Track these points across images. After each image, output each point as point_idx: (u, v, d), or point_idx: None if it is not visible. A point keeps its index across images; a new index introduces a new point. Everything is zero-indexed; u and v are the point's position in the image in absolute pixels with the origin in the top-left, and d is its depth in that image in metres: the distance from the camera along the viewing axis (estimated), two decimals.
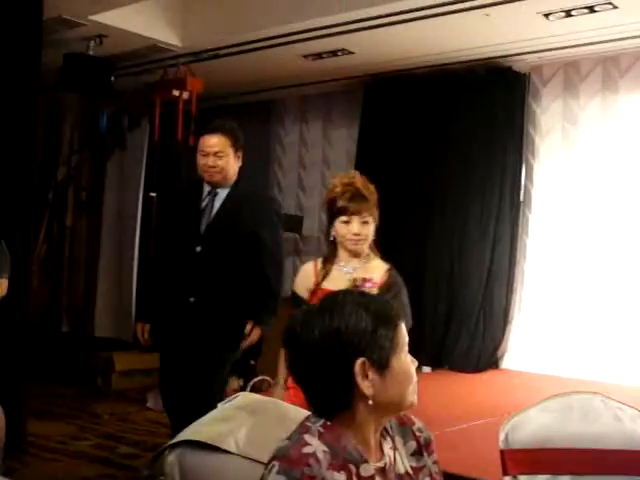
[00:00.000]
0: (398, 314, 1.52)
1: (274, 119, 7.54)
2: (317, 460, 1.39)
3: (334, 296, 1.53)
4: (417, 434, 1.60)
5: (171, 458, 1.66)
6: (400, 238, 6.35)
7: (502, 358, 5.96)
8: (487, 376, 5.71)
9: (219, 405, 1.78)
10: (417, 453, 1.58)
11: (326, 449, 1.42)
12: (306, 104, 7.33)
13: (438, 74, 6.15)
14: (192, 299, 3.40)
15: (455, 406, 4.59)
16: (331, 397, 1.47)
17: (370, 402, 1.45)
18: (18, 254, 4.17)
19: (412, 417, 1.62)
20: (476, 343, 5.98)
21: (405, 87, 6.38)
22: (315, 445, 1.42)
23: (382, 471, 1.49)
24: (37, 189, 7.18)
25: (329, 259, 2.95)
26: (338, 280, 2.85)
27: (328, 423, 1.47)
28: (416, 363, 1.53)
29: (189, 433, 1.69)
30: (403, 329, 1.51)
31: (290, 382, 2.76)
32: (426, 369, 5.99)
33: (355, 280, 2.85)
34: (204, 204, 3.47)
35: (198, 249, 3.38)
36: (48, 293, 7.62)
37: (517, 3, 4.64)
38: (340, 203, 2.87)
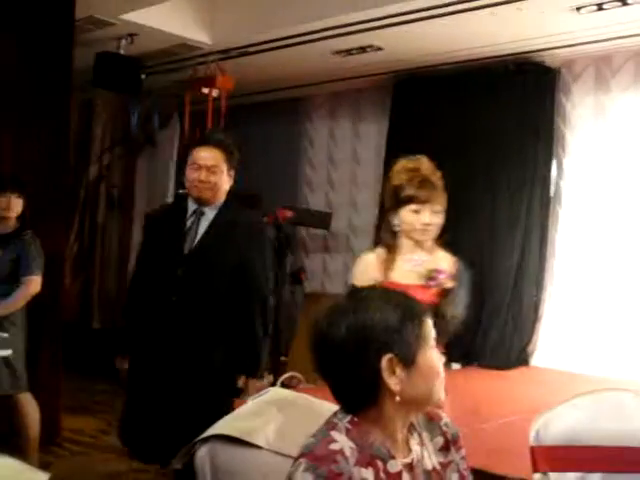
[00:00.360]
0: (424, 309, 1.52)
1: (303, 116, 7.54)
2: (344, 456, 1.40)
3: (359, 292, 1.54)
4: (444, 430, 1.60)
5: (202, 452, 1.68)
6: None
7: (532, 355, 5.91)
8: (517, 373, 5.68)
9: (249, 400, 1.79)
10: (444, 449, 1.58)
11: (353, 445, 1.43)
12: (335, 100, 7.33)
13: (468, 69, 6.11)
14: (173, 326, 3.04)
15: (485, 403, 4.56)
16: (358, 394, 1.48)
17: (397, 398, 1.45)
18: (51, 252, 4.23)
19: (439, 412, 1.62)
20: (506, 340, 5.94)
21: (434, 83, 6.35)
22: (342, 441, 1.43)
23: (409, 467, 1.49)
24: (70, 187, 7.28)
25: (391, 250, 2.77)
26: (407, 272, 2.72)
27: (355, 419, 1.47)
28: (443, 359, 1.53)
29: (220, 427, 1.71)
30: (429, 324, 1.51)
31: None
32: (456, 366, 5.96)
33: (429, 272, 2.71)
34: (188, 224, 3.12)
35: (180, 272, 3.06)
36: (80, 290, 7.71)
37: None
38: (408, 191, 2.71)
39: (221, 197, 3.12)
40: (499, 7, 4.78)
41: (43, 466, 3.98)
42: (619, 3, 4.61)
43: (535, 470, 1.93)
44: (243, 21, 5.68)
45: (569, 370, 5.50)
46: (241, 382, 3.05)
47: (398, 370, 1.45)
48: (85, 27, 5.36)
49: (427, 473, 1.53)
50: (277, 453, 1.66)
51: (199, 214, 3.11)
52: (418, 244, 2.76)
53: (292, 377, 5.81)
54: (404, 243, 2.77)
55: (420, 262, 2.75)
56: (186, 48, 5.97)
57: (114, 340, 3.45)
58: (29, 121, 4.55)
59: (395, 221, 2.76)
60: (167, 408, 3.02)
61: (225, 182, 3.11)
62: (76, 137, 7.20)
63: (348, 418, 1.48)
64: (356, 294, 1.53)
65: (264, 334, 3.09)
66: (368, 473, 1.42)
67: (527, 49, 5.69)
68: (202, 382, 3.01)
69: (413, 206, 2.70)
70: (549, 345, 5.89)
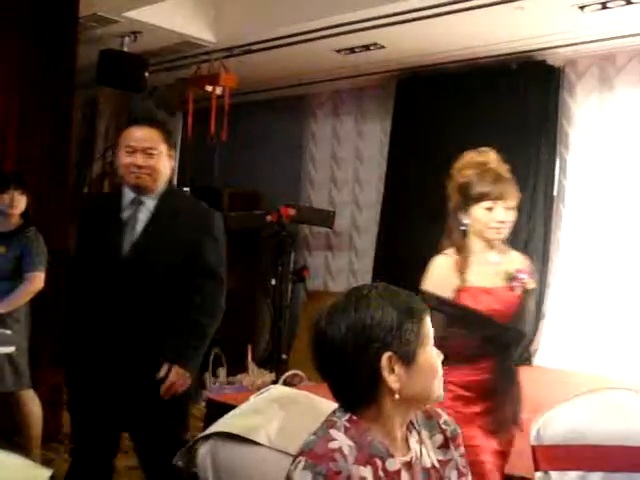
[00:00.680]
0: (424, 307, 1.52)
1: (306, 114, 7.55)
2: (343, 455, 1.41)
3: (359, 290, 1.53)
4: (443, 427, 1.61)
5: (203, 449, 1.69)
6: (433, 233, 6.31)
7: (535, 354, 5.91)
8: (520, 372, 5.66)
9: (251, 398, 1.80)
10: (444, 446, 1.59)
11: (352, 444, 1.44)
12: (338, 99, 7.32)
13: (471, 68, 6.10)
14: (116, 335, 2.67)
15: None
16: (357, 392, 1.48)
17: (396, 396, 1.46)
18: (54, 249, 4.24)
19: (438, 410, 1.63)
20: None
21: (437, 81, 6.34)
22: (341, 440, 1.43)
23: (408, 465, 1.50)
24: (73, 184, 7.28)
25: (462, 251, 2.60)
26: (486, 274, 2.57)
27: (354, 418, 1.48)
28: (442, 357, 1.54)
29: (221, 425, 1.72)
30: (428, 322, 1.52)
31: None
32: None
33: (509, 273, 2.56)
34: (126, 216, 2.73)
35: (119, 274, 2.68)
36: None
37: None
38: (480, 187, 2.55)
39: (162, 183, 2.74)
40: (502, 5, 4.78)
41: (45, 463, 3.99)
42: (623, 2, 4.59)
43: (536, 469, 1.93)
44: (247, 19, 5.68)
45: (572, 369, 5.49)
46: (163, 370, 2.64)
47: (397, 368, 1.45)
48: (89, 25, 5.37)
49: (426, 471, 1.54)
50: (278, 451, 1.67)
51: (137, 204, 2.73)
52: (489, 244, 2.60)
53: (294, 375, 5.83)
54: (474, 243, 2.61)
55: (498, 263, 2.60)
56: (189, 46, 5.97)
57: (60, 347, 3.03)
58: (32, 118, 4.57)
59: (465, 220, 2.60)
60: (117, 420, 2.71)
61: (166, 166, 2.74)
62: (79, 134, 7.22)
63: (347, 416, 1.48)
64: (356, 292, 1.53)
65: (208, 331, 2.80)
66: (367, 471, 1.43)
67: (530, 48, 5.68)
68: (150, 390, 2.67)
69: (486, 203, 2.54)
70: (552, 344, 5.88)
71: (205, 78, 6.27)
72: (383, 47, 5.78)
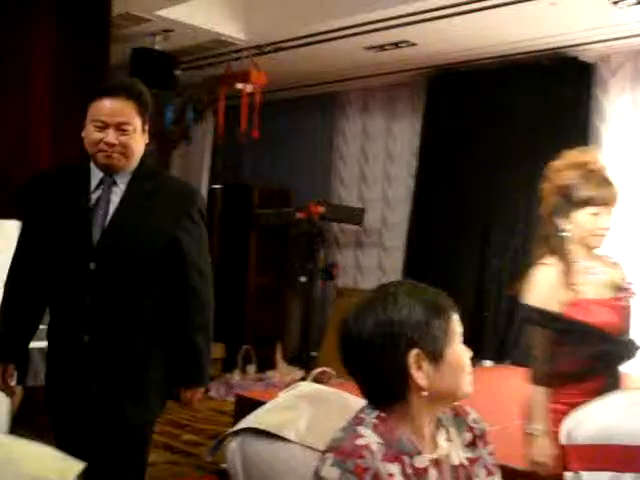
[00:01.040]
0: (451, 304, 1.52)
1: (337, 111, 7.55)
2: (371, 452, 1.41)
3: (387, 287, 1.53)
4: (472, 425, 1.60)
5: (233, 445, 1.70)
6: (464, 230, 6.30)
7: None
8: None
9: (280, 394, 1.81)
10: (472, 444, 1.59)
11: (380, 441, 1.44)
12: (369, 96, 7.32)
13: (502, 65, 6.06)
14: (86, 337, 2.33)
15: (517, 400, 4.53)
16: (385, 389, 1.49)
17: (425, 393, 1.46)
18: None
19: (467, 408, 1.62)
20: None
21: (468, 79, 6.31)
22: (369, 437, 1.44)
23: (436, 462, 1.50)
24: None
25: (565, 259, 2.40)
26: (594, 285, 2.40)
27: (382, 415, 1.48)
28: (470, 353, 1.53)
29: (250, 421, 1.73)
30: (456, 319, 1.51)
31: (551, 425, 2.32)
32: (488, 363, 5.93)
33: (616, 283, 2.42)
34: (95, 199, 2.37)
35: (92, 266, 2.31)
36: None
37: None
38: (586, 191, 2.35)
39: (135, 161, 2.40)
40: (533, 2, 4.74)
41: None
42: None
43: (567, 469, 1.92)
44: (277, 17, 5.70)
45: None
46: (184, 396, 2.45)
47: (425, 365, 1.45)
48: (121, 24, 5.42)
49: (454, 468, 1.53)
50: (307, 447, 1.67)
51: (108, 185, 2.38)
52: (589, 251, 2.43)
53: (323, 372, 5.83)
54: (576, 251, 2.42)
55: (603, 272, 2.44)
56: (220, 44, 6.01)
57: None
58: (66, 117, 4.61)
59: (565, 225, 2.41)
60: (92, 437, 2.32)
61: (140, 142, 2.39)
62: None
63: (375, 413, 1.49)
64: (384, 289, 1.53)
65: (204, 332, 2.45)
66: (395, 468, 1.43)
67: (562, 44, 5.62)
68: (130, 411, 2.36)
69: (592, 209, 2.36)
70: None
71: (236, 76, 6.29)
72: (413, 44, 5.77)
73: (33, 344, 2.52)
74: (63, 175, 2.47)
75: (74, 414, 2.36)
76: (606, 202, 2.38)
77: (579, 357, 2.37)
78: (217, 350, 6.97)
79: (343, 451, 1.40)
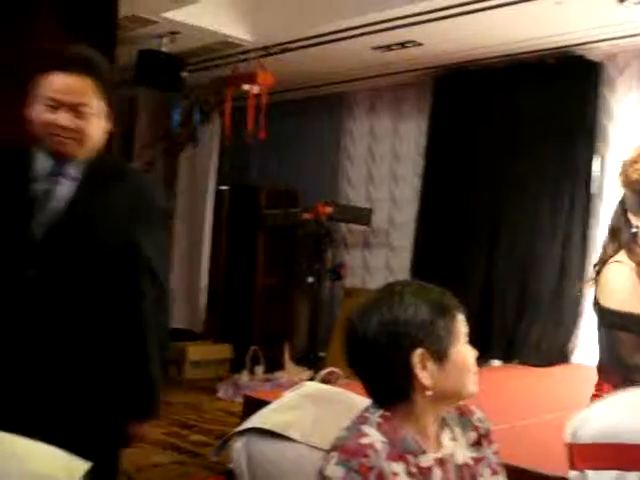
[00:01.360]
0: (456, 304, 1.52)
1: (344, 111, 7.55)
2: (375, 450, 1.42)
3: (392, 287, 1.54)
4: (477, 425, 1.61)
5: (238, 445, 1.70)
6: (472, 230, 6.30)
7: (573, 353, 5.85)
8: (557, 370, 5.62)
9: (286, 393, 1.81)
10: (477, 444, 1.59)
11: (385, 439, 1.45)
12: (376, 96, 7.32)
13: (509, 64, 6.05)
14: (23, 350, 1.93)
15: (525, 400, 4.54)
16: (390, 388, 1.49)
17: (429, 392, 1.47)
18: None
19: (471, 407, 1.62)
20: (547, 338, 5.89)
21: (475, 78, 6.30)
22: (373, 436, 1.44)
23: (440, 462, 1.50)
24: None
25: (636, 256, 2.25)
26: None
27: (386, 414, 1.49)
28: (475, 353, 1.53)
29: (256, 421, 1.73)
30: (462, 319, 1.52)
31: None
32: (496, 362, 5.93)
33: None
34: (38, 190, 1.98)
35: (32, 273, 1.93)
36: None
37: None
38: None
39: (91, 150, 2.03)
40: (538, 1, 4.73)
41: None
42: None
43: (572, 468, 1.91)
44: (283, 18, 5.71)
45: None
46: (134, 430, 2.13)
47: (429, 365, 1.46)
48: (127, 26, 5.43)
49: (459, 468, 1.54)
50: (312, 447, 1.67)
51: (56, 174, 1.99)
52: None
53: (331, 372, 5.83)
54: None
55: None
56: (227, 45, 6.02)
57: None
58: None
59: (636, 222, 2.27)
60: None
61: (98, 128, 2.03)
62: (119, 133, 7.32)
63: (380, 412, 1.49)
64: (389, 288, 1.54)
65: (160, 355, 2.09)
66: (399, 467, 1.44)
67: (569, 43, 5.61)
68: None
69: None
70: (590, 342, 5.82)
71: (242, 77, 6.30)
72: (420, 44, 5.77)
73: None
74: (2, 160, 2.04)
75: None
76: None
77: None
78: (225, 351, 7.00)
79: (347, 450, 1.41)
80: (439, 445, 1.53)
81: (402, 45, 5.80)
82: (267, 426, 1.68)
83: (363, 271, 7.27)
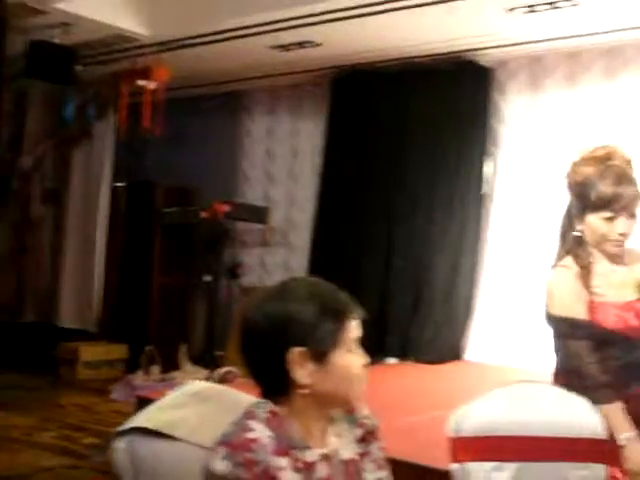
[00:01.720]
0: (349, 309, 1.51)
1: (243, 110, 7.52)
2: (261, 445, 1.42)
3: (288, 282, 1.54)
4: (363, 421, 1.62)
5: (121, 445, 1.66)
6: (369, 230, 6.38)
7: (465, 350, 6.02)
8: (450, 367, 5.76)
9: (170, 392, 1.79)
10: (363, 440, 1.60)
11: (271, 434, 1.45)
12: (275, 95, 7.32)
13: (405, 67, 6.17)
14: None
15: (416, 397, 4.63)
16: (270, 382, 1.50)
17: (305, 391, 1.47)
18: None
19: (359, 405, 1.64)
20: (440, 335, 6.03)
21: (372, 80, 6.39)
22: (259, 430, 1.44)
23: (326, 457, 1.51)
24: (1, 178, 7.12)
25: (582, 260, 2.17)
26: (614, 286, 2.16)
27: (275, 409, 1.49)
28: (365, 360, 1.53)
29: (140, 420, 1.70)
30: (354, 325, 1.51)
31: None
32: (392, 360, 6.02)
33: None
34: None
35: None
36: (12, 283, 7.56)
37: None
38: (600, 191, 2.09)
39: None
40: (435, 6, 4.84)
41: None
42: (548, 6, 4.71)
43: (454, 460, 1.97)
44: (182, 13, 5.63)
45: (502, 364, 5.60)
46: None
47: (309, 365, 1.46)
48: (18, 13, 5.23)
49: (344, 463, 1.55)
50: (198, 445, 1.66)
51: None
52: (609, 256, 2.18)
53: (228, 371, 5.80)
54: (593, 252, 2.19)
55: (627, 271, 2.18)
56: (123, 39, 5.89)
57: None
58: None
59: (579, 226, 2.19)
60: None
61: None
62: (9, 127, 7.06)
63: (268, 408, 1.49)
64: (285, 283, 1.54)
65: None
66: (284, 462, 1.44)
67: (462, 48, 5.78)
68: None
69: (606, 213, 2.10)
70: (482, 339, 5.99)
71: (138, 72, 6.19)
72: (318, 45, 5.81)
73: None
74: None
75: None
76: (623, 205, 2.09)
77: (606, 367, 2.12)
78: (120, 351, 6.84)
79: (233, 444, 1.41)
80: (325, 441, 1.54)
81: (300, 45, 5.83)
82: (150, 425, 1.65)
83: (261, 270, 7.26)
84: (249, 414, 1.49)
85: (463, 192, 6.02)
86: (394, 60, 6.10)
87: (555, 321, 2.17)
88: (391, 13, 5.00)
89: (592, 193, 2.09)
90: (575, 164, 2.19)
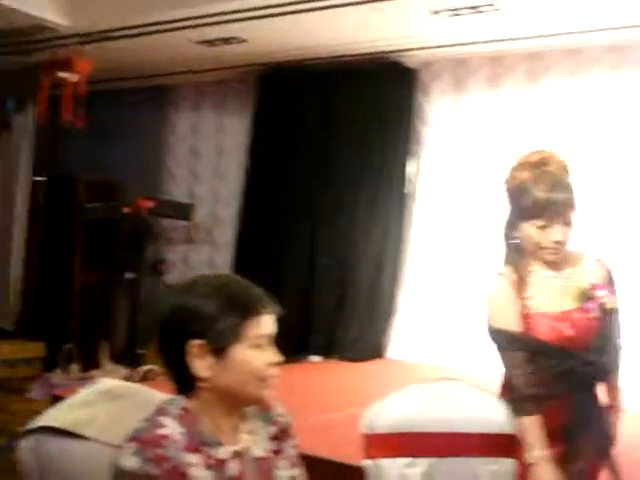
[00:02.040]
0: (259, 306, 1.51)
1: (168, 105, 7.42)
2: (172, 441, 1.42)
3: (200, 277, 1.56)
4: (277, 419, 1.63)
5: (27, 444, 1.63)
6: (292, 228, 6.38)
7: (388, 348, 6.07)
8: (373, 365, 5.81)
9: (80, 390, 1.75)
10: (276, 438, 1.62)
11: (183, 431, 1.45)
12: (200, 91, 7.25)
13: (331, 66, 6.19)
14: None
15: (335, 394, 4.66)
16: (177, 376, 1.51)
17: (206, 384, 1.48)
18: None
19: (272, 402, 1.64)
20: (364, 333, 6.07)
21: (298, 78, 6.39)
22: (171, 427, 1.44)
23: (238, 454, 1.51)
24: None
25: (519, 268, 2.12)
26: (552, 295, 2.10)
27: (187, 406, 1.49)
28: (278, 358, 1.54)
29: (47, 419, 1.66)
30: (264, 321, 1.51)
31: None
32: (316, 358, 6.03)
33: (582, 291, 2.08)
34: None
35: None
36: None
37: None
38: (534, 197, 2.03)
39: None
40: (362, 6, 4.87)
41: None
42: (471, 10, 4.80)
43: (367, 457, 1.99)
44: (104, 4, 5.50)
45: (424, 362, 5.68)
46: None
47: (208, 357, 1.47)
48: None
49: (256, 461, 1.55)
50: (108, 444, 1.63)
51: None
52: (550, 264, 2.12)
53: (150, 370, 5.73)
54: (532, 261, 2.14)
55: (567, 277, 2.12)
56: (43, 29, 5.71)
57: None
58: None
59: (514, 233, 2.15)
60: None
61: None
62: None
63: (180, 404, 1.50)
64: (196, 278, 1.56)
65: None
66: (196, 458, 1.44)
67: (389, 49, 5.82)
68: None
69: (538, 221, 2.04)
70: (405, 338, 6.06)
71: (58, 63, 6.02)
72: (244, 41, 5.76)
73: None
74: None
75: None
76: (558, 213, 2.04)
77: (537, 377, 2.07)
78: (38, 349, 6.68)
79: (143, 440, 1.41)
80: (237, 438, 1.53)
81: (226, 41, 5.78)
82: (58, 424, 1.62)
83: (185, 267, 7.18)
84: (161, 410, 1.49)
85: (387, 192, 6.08)
86: (321, 59, 6.11)
87: (492, 333, 2.12)
88: (318, 11, 5.00)
89: (527, 198, 2.05)
90: (512, 169, 2.15)
